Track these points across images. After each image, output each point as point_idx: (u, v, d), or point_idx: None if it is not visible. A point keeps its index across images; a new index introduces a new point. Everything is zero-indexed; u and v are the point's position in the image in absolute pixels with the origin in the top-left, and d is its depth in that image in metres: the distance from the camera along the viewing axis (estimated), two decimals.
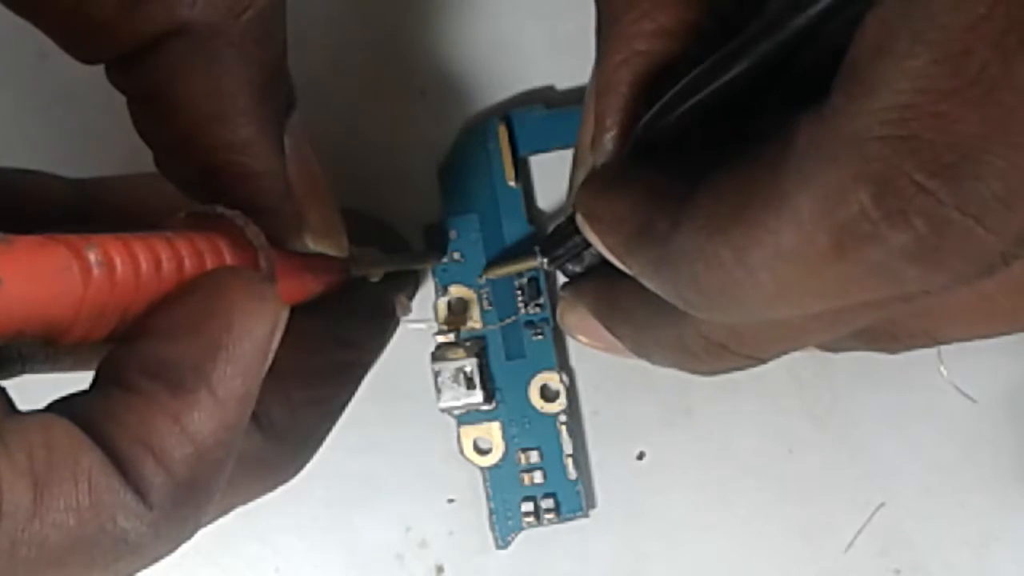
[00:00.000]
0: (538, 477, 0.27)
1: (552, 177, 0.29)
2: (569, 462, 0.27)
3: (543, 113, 0.28)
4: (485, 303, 0.28)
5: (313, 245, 0.21)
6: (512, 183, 0.28)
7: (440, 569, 0.28)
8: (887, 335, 0.20)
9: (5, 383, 0.16)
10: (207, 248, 0.18)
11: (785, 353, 0.20)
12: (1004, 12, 0.12)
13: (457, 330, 0.27)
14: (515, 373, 0.28)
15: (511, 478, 0.27)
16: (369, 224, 0.27)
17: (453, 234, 0.28)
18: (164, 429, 0.15)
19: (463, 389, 0.26)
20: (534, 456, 0.27)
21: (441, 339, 0.27)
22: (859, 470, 0.28)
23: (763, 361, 0.20)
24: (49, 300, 0.14)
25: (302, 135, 0.21)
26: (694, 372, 0.21)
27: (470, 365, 0.26)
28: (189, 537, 0.17)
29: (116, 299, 0.15)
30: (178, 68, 0.18)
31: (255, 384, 0.17)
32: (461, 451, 0.27)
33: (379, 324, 0.25)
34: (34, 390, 0.16)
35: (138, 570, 0.16)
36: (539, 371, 0.27)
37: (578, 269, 0.23)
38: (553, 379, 0.28)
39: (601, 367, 0.28)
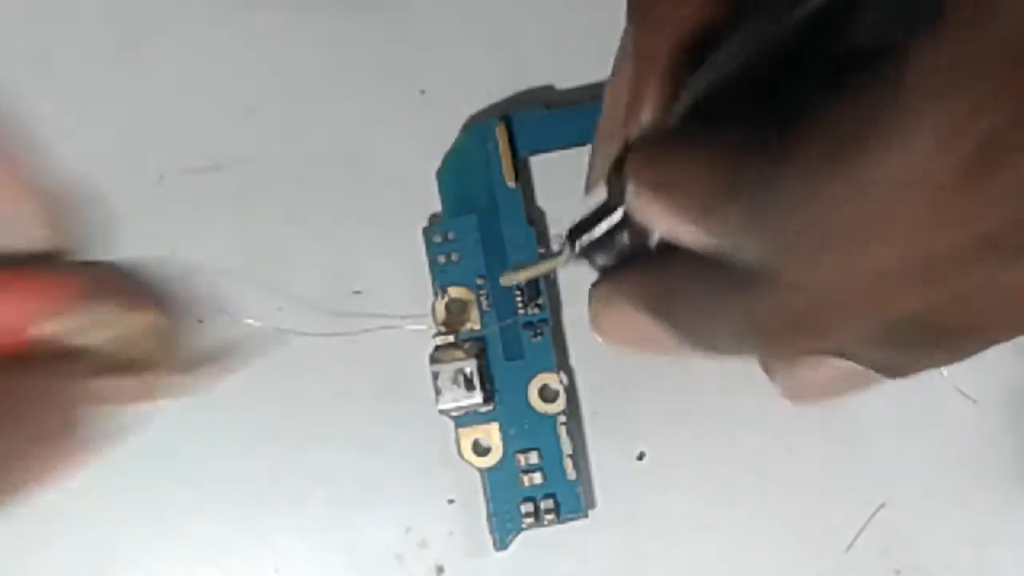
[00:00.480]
0: (538, 478, 0.27)
1: (552, 177, 0.29)
2: (569, 463, 0.27)
3: (543, 113, 0.28)
4: (484, 304, 0.28)
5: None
6: (511, 183, 0.28)
7: (440, 569, 0.28)
8: (944, 330, 0.18)
9: None
10: None
11: (855, 331, 0.17)
12: None
13: (456, 331, 0.27)
14: (514, 374, 0.27)
15: (510, 479, 0.27)
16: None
17: (452, 235, 0.28)
18: None
19: (462, 390, 0.26)
20: (533, 457, 0.27)
21: (440, 340, 0.27)
22: (859, 470, 0.28)
23: (831, 341, 0.18)
24: None
25: None
26: (764, 354, 0.20)
27: (469, 366, 0.26)
28: None
29: None
30: None
31: None
32: (459, 453, 0.27)
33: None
34: None
35: None
36: (538, 372, 0.27)
37: (609, 262, 0.21)
38: (552, 380, 0.28)
39: (601, 367, 0.28)
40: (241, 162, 0.29)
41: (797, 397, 0.22)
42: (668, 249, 0.18)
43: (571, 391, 0.28)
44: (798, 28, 0.16)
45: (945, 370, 0.28)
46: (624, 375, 0.28)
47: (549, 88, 0.29)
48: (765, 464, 0.28)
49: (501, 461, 0.27)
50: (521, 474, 0.27)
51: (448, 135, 0.28)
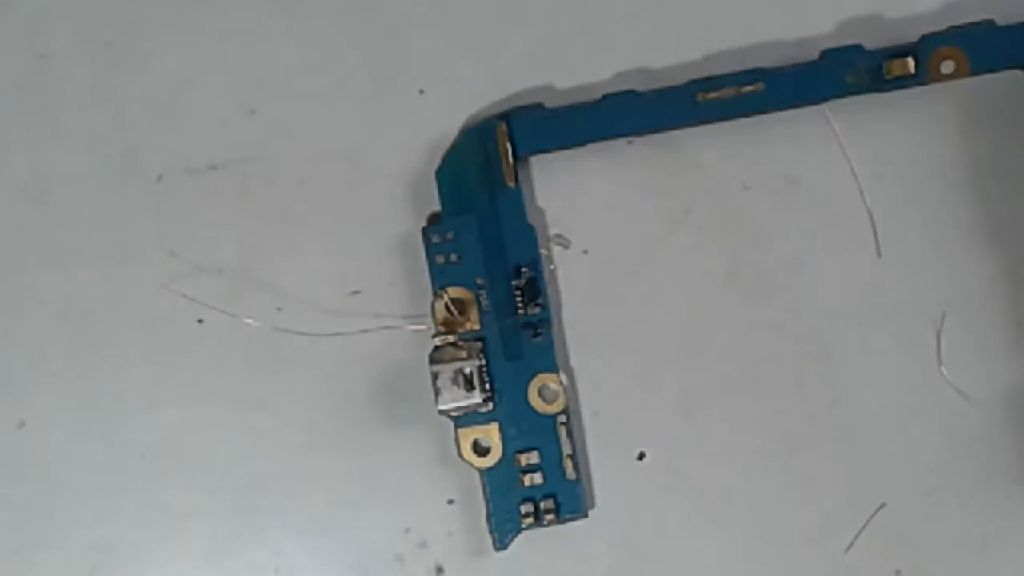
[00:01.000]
0: (537, 478, 0.27)
1: (552, 177, 0.29)
2: (568, 463, 0.27)
3: (543, 113, 0.28)
4: (484, 304, 0.28)
5: None
6: (511, 183, 0.28)
7: (440, 570, 0.28)
8: None
9: None
10: None
11: None
12: None
13: (456, 331, 0.27)
14: (514, 374, 0.27)
15: (510, 479, 0.27)
16: None
17: (451, 235, 0.28)
18: None
19: (462, 391, 0.26)
20: (533, 457, 0.27)
21: (440, 340, 0.27)
22: (859, 470, 0.28)
23: None
24: None
25: None
26: None
27: (469, 366, 0.26)
28: None
29: None
30: None
31: None
32: (459, 453, 0.27)
33: None
34: None
35: None
36: (538, 372, 0.27)
37: None
38: (552, 380, 0.28)
39: (601, 367, 0.28)
40: (241, 162, 0.29)
41: None
42: None
43: (571, 391, 0.28)
44: None
45: (945, 370, 0.28)
46: (624, 375, 0.28)
47: (549, 88, 0.29)
48: (765, 464, 0.28)
49: (501, 461, 0.27)
50: (521, 474, 0.27)
51: (448, 135, 0.28)
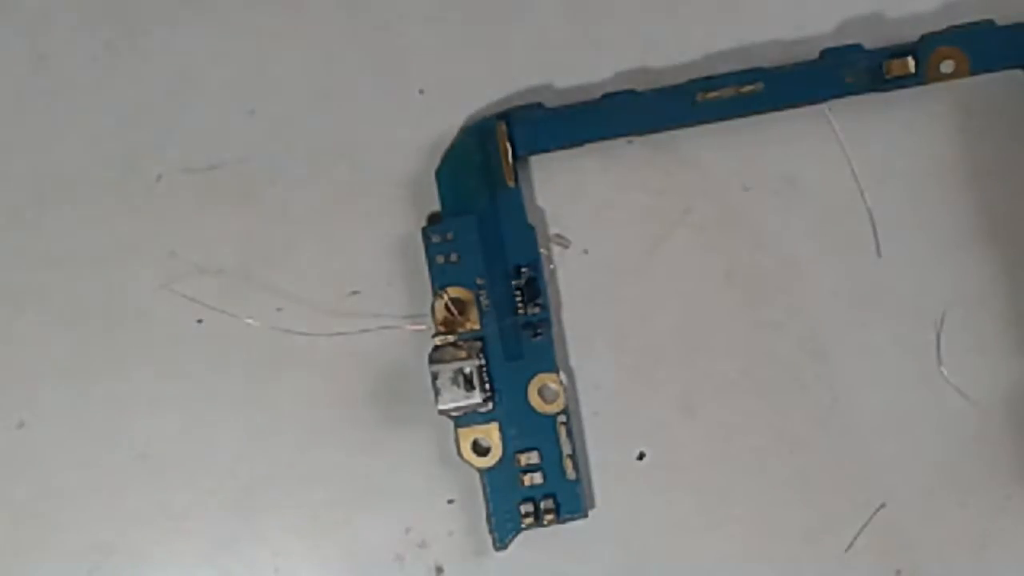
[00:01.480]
0: (537, 478, 0.27)
1: (552, 177, 0.29)
2: (568, 463, 0.27)
3: (543, 113, 0.28)
4: (483, 304, 0.28)
5: None
6: (511, 183, 0.28)
7: (440, 570, 0.28)
8: None
9: None
10: None
11: None
12: None
13: (455, 331, 0.27)
14: (514, 374, 0.27)
15: (510, 479, 0.27)
16: None
17: (451, 235, 0.28)
18: None
19: (462, 390, 0.26)
20: (533, 457, 0.27)
21: (440, 340, 0.27)
22: (859, 470, 0.28)
23: None
24: None
25: None
26: None
27: (469, 366, 0.26)
28: None
29: None
30: None
31: None
32: (459, 453, 0.27)
33: None
34: None
35: None
36: (538, 372, 0.27)
37: None
38: (552, 380, 0.28)
39: (601, 367, 0.28)
40: (241, 162, 0.29)
41: None
42: None
43: (571, 391, 0.28)
44: None
45: (945, 370, 0.28)
46: (624, 375, 0.28)
47: (549, 88, 0.29)
48: (765, 464, 0.28)
49: (501, 461, 0.27)
50: (521, 474, 0.27)
51: (448, 135, 0.28)
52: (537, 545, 0.28)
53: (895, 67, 0.27)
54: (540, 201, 0.29)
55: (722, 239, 0.29)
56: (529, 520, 0.27)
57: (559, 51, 0.29)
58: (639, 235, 0.29)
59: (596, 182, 0.29)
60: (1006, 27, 0.27)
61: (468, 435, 0.27)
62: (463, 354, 0.26)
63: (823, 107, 0.28)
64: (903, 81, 0.27)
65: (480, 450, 0.28)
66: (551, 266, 0.29)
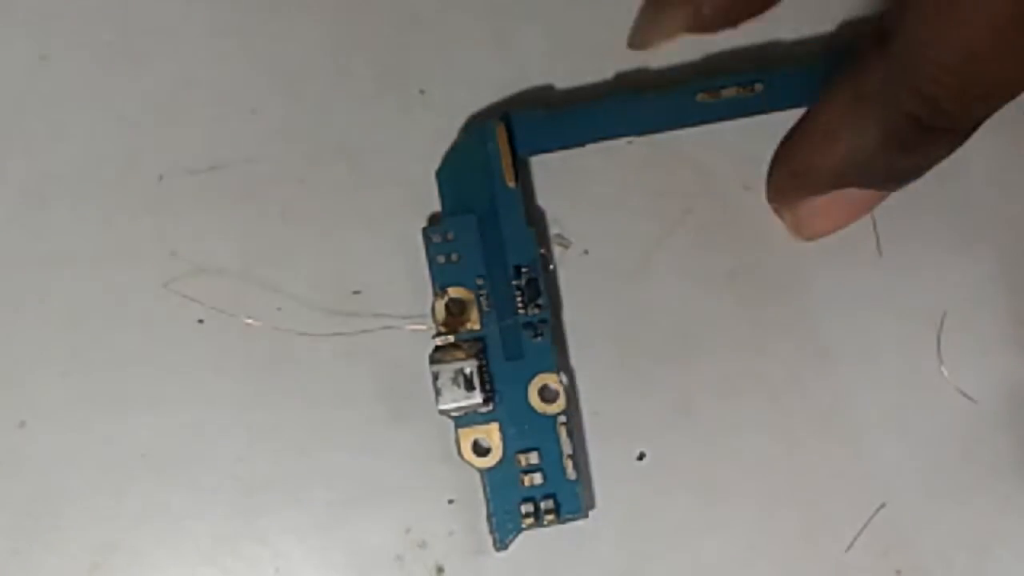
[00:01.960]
0: (537, 478, 0.27)
1: (552, 177, 0.29)
2: (569, 463, 0.27)
3: (543, 113, 0.28)
4: (484, 304, 0.28)
5: None
6: (511, 183, 0.28)
7: (440, 570, 0.28)
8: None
9: None
10: None
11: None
12: None
13: (456, 331, 0.27)
14: (514, 374, 0.27)
15: (510, 479, 0.27)
16: None
17: (451, 235, 0.28)
18: None
19: (462, 391, 0.26)
20: (533, 457, 0.27)
21: (440, 340, 0.27)
22: (859, 470, 0.28)
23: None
24: None
25: None
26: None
27: (469, 366, 0.26)
28: None
29: None
30: None
31: None
32: (459, 453, 0.27)
33: None
34: None
35: None
36: (538, 372, 0.27)
37: None
38: (552, 380, 0.28)
39: (601, 367, 0.28)
40: (241, 162, 0.29)
41: (806, 231, 0.26)
42: None
43: (571, 391, 0.28)
44: None
45: (945, 370, 0.28)
46: (624, 375, 0.28)
47: (549, 88, 0.29)
48: (765, 464, 0.28)
49: (501, 461, 0.27)
50: (521, 474, 0.27)
51: (448, 135, 0.29)
52: (537, 545, 0.28)
53: None
54: (540, 201, 0.29)
55: (723, 239, 0.29)
56: (529, 520, 0.27)
57: (559, 51, 0.29)
58: (639, 235, 0.29)
59: (596, 182, 0.29)
60: None
61: (468, 435, 0.27)
62: (463, 354, 0.26)
63: None
64: None
65: (480, 450, 0.28)
66: (551, 266, 0.29)
